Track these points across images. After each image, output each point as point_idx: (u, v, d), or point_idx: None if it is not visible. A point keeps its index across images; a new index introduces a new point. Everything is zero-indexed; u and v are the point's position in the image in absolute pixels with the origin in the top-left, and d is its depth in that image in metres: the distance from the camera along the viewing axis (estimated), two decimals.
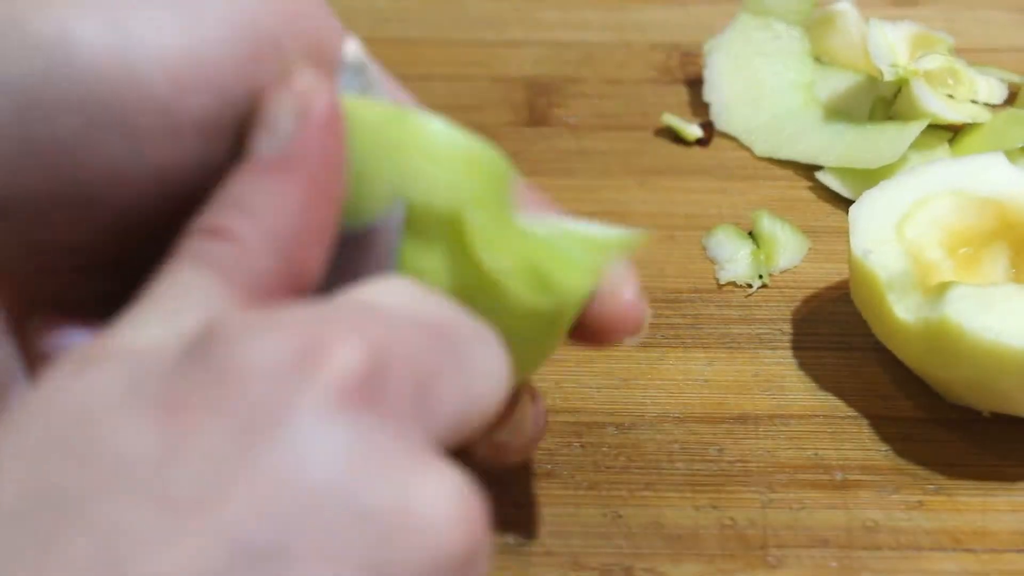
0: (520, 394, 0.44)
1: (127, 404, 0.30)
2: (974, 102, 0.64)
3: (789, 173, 0.63)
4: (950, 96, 0.63)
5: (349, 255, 0.38)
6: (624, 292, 0.43)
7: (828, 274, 0.58)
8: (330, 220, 0.36)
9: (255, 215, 0.35)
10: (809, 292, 0.57)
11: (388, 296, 0.34)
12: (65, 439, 0.30)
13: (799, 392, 0.53)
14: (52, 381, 0.32)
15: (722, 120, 0.65)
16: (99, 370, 0.31)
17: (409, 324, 0.33)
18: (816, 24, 0.68)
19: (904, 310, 0.51)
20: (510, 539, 0.48)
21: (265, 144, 0.36)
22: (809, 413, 0.53)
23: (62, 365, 0.32)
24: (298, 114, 0.36)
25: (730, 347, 0.55)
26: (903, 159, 0.61)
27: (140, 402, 0.30)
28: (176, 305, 0.33)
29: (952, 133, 0.63)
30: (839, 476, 0.50)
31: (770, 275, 0.58)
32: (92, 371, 0.31)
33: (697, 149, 0.64)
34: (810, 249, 0.59)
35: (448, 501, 0.30)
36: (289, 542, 0.29)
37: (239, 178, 0.36)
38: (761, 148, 0.64)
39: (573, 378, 0.53)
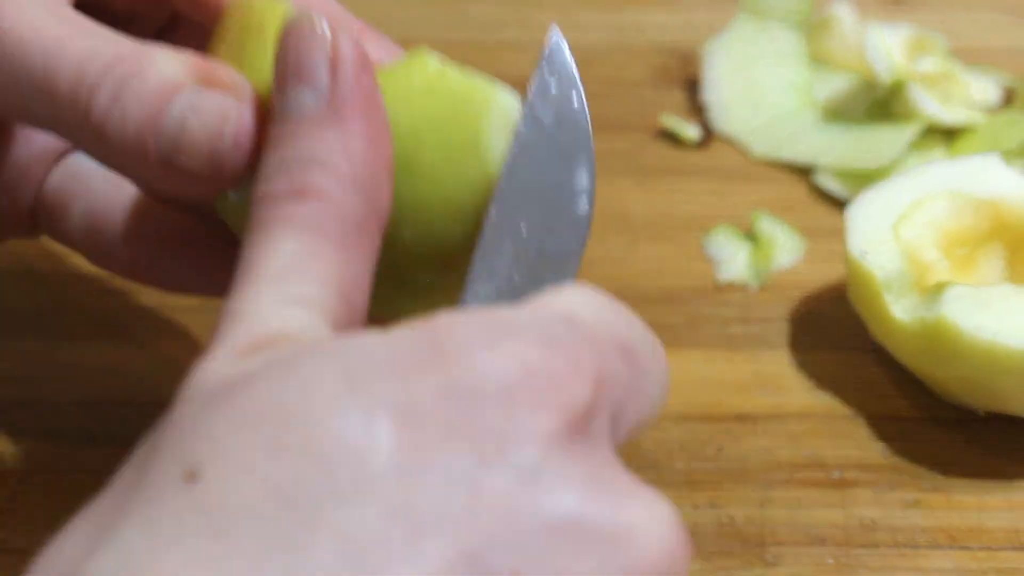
0: None
1: (354, 403, 0.31)
2: (970, 104, 0.64)
3: (787, 174, 0.63)
4: (946, 98, 0.64)
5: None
6: None
7: (826, 274, 0.58)
8: (389, 148, 0.38)
9: (330, 167, 0.36)
10: (807, 292, 0.58)
11: (586, 309, 0.34)
12: (297, 438, 0.30)
13: (797, 391, 0.54)
14: (259, 377, 0.31)
15: (720, 121, 0.66)
16: (305, 364, 0.32)
17: (612, 347, 0.34)
18: (814, 26, 0.68)
19: (901, 310, 0.51)
20: None
21: (309, 99, 0.37)
22: (807, 412, 0.53)
23: (240, 356, 0.33)
24: (331, 62, 0.37)
25: (729, 347, 0.55)
26: (900, 160, 0.62)
27: (367, 401, 0.31)
28: (296, 279, 0.35)
29: (949, 135, 0.64)
30: (837, 475, 0.50)
31: (768, 275, 0.58)
32: (299, 365, 0.32)
33: (696, 150, 0.65)
34: (808, 250, 0.60)
35: (663, 529, 0.31)
36: (524, 568, 0.30)
37: (295, 136, 0.37)
38: (759, 149, 0.64)
39: None
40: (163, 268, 0.46)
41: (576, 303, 0.35)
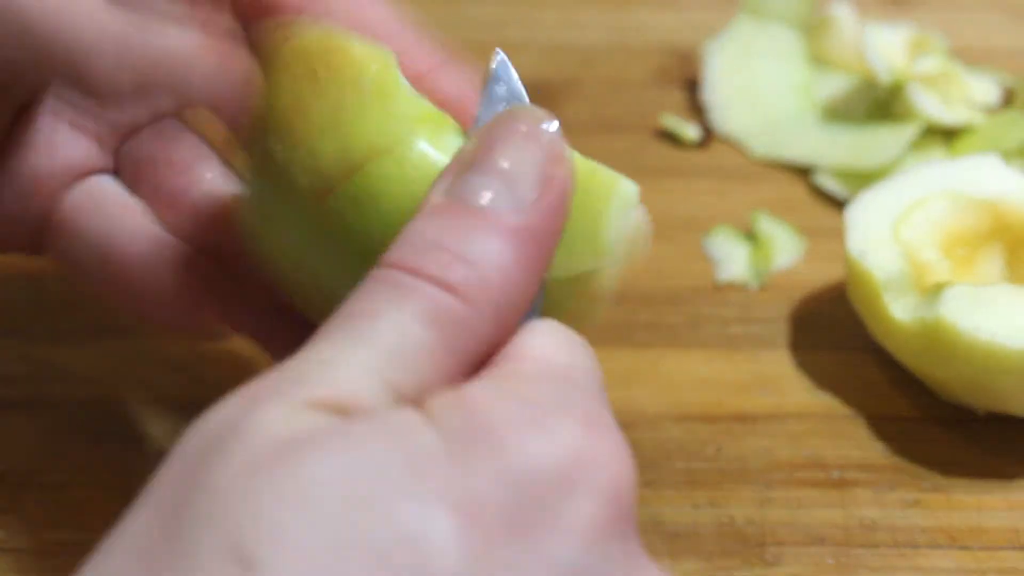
0: None
1: (414, 493, 0.30)
2: (970, 104, 0.64)
3: (787, 174, 0.64)
4: (946, 98, 0.64)
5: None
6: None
7: (825, 274, 0.58)
8: (537, 289, 0.35)
9: (487, 282, 0.34)
10: (807, 292, 0.58)
11: (560, 356, 0.34)
12: (363, 535, 0.29)
13: (797, 391, 0.54)
14: (319, 449, 0.30)
15: (720, 121, 0.66)
16: (364, 441, 0.30)
17: (603, 397, 0.34)
18: (814, 26, 0.68)
19: (900, 310, 0.51)
20: None
21: (504, 202, 0.35)
22: (807, 412, 0.53)
23: (308, 409, 0.31)
24: (544, 179, 0.35)
25: (728, 347, 0.55)
26: (900, 160, 0.62)
27: (428, 494, 0.30)
28: (406, 366, 0.33)
29: (949, 135, 0.64)
30: (836, 475, 0.51)
31: (768, 275, 0.58)
32: (356, 440, 0.30)
33: (695, 150, 0.65)
34: (808, 250, 0.60)
35: None
36: None
37: (467, 225, 0.34)
38: (759, 149, 0.64)
39: None
40: (179, 311, 0.44)
41: (549, 351, 0.34)
